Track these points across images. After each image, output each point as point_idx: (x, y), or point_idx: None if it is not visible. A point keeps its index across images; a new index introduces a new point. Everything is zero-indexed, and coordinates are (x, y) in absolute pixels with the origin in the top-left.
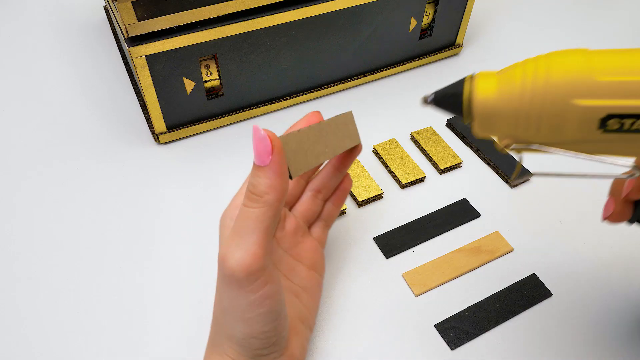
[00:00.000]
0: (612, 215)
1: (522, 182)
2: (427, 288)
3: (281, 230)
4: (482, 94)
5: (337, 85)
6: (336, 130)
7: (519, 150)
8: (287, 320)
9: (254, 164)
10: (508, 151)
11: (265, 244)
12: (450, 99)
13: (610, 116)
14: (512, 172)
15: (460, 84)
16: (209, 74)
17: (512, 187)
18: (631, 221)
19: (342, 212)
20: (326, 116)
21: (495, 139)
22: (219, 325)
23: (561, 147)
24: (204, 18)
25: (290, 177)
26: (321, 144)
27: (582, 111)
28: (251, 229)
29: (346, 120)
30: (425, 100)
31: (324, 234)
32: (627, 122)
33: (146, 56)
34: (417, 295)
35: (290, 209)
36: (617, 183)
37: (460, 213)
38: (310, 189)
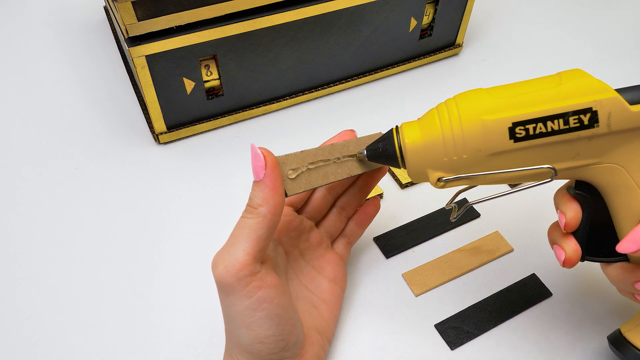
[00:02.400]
0: (567, 259)
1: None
2: (427, 288)
3: (305, 242)
4: (411, 140)
5: (337, 85)
6: (356, 151)
7: (450, 184)
8: (296, 326)
9: (253, 180)
10: (440, 187)
11: (254, 252)
12: (384, 154)
13: (514, 125)
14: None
15: (389, 139)
16: (209, 74)
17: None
18: (582, 259)
19: None
20: (325, 118)
21: (428, 179)
22: (228, 334)
23: (485, 169)
24: (204, 18)
25: (286, 195)
26: (333, 165)
27: (492, 124)
28: (243, 238)
29: (371, 141)
30: (359, 157)
31: (346, 250)
32: (530, 128)
33: (146, 56)
34: (417, 295)
35: (317, 223)
36: (553, 230)
37: None
38: (337, 206)
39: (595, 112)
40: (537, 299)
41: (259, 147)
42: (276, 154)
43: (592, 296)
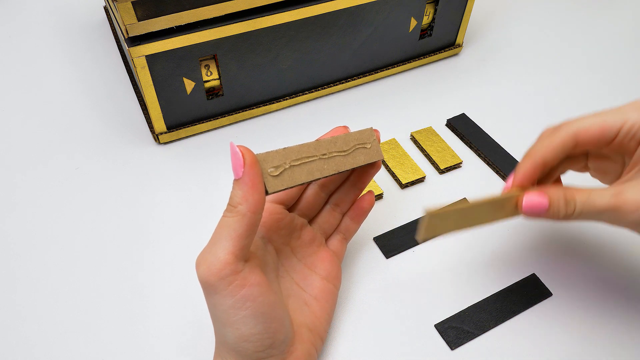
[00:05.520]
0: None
1: None
2: (434, 234)
3: (297, 239)
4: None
5: (337, 85)
6: (345, 147)
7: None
8: (284, 324)
9: (233, 178)
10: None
11: (236, 250)
12: None
13: None
14: (513, 171)
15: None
16: (209, 74)
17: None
18: None
19: None
20: (325, 118)
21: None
22: (215, 333)
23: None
24: (204, 18)
25: (267, 192)
26: (319, 161)
27: None
28: (224, 237)
29: (363, 137)
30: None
31: (342, 247)
32: None
33: (146, 56)
34: (421, 241)
35: (311, 221)
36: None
37: None
38: (330, 202)
39: None
40: (537, 299)
41: (237, 145)
42: None
43: (592, 296)
